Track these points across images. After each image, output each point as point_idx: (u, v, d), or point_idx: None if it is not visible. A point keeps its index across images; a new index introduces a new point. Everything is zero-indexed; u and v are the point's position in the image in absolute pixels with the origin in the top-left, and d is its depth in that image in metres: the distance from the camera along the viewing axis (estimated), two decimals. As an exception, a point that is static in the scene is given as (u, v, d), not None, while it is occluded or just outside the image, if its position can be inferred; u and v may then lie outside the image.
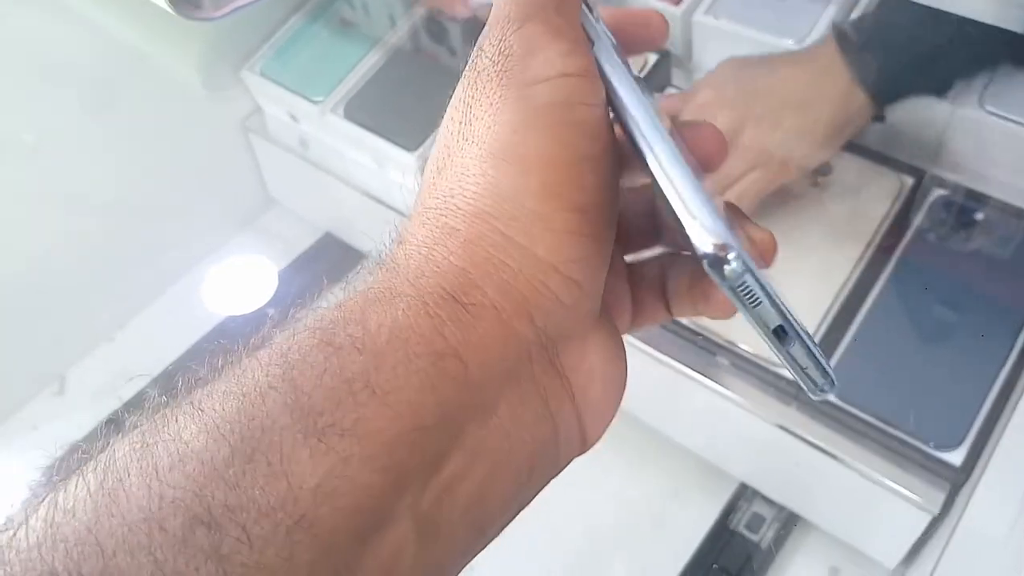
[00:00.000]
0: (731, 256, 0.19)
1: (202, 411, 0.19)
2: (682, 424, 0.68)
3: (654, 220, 0.26)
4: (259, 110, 0.84)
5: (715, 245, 0.19)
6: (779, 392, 0.59)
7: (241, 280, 0.87)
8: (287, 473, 0.18)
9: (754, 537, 0.65)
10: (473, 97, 0.23)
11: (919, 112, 0.63)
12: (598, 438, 0.24)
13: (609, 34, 0.24)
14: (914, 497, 0.55)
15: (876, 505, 0.57)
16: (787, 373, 0.57)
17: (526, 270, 0.21)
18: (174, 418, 0.19)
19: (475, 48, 0.24)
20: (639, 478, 0.71)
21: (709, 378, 0.61)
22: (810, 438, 0.58)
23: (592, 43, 0.23)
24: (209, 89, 0.81)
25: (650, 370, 0.63)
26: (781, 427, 0.59)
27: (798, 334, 0.21)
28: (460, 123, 0.23)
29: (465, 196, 0.22)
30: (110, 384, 0.78)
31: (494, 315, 0.21)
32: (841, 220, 0.63)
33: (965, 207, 0.62)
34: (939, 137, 0.63)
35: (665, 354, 0.62)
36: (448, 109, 0.24)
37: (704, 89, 0.61)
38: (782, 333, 0.21)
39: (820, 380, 0.22)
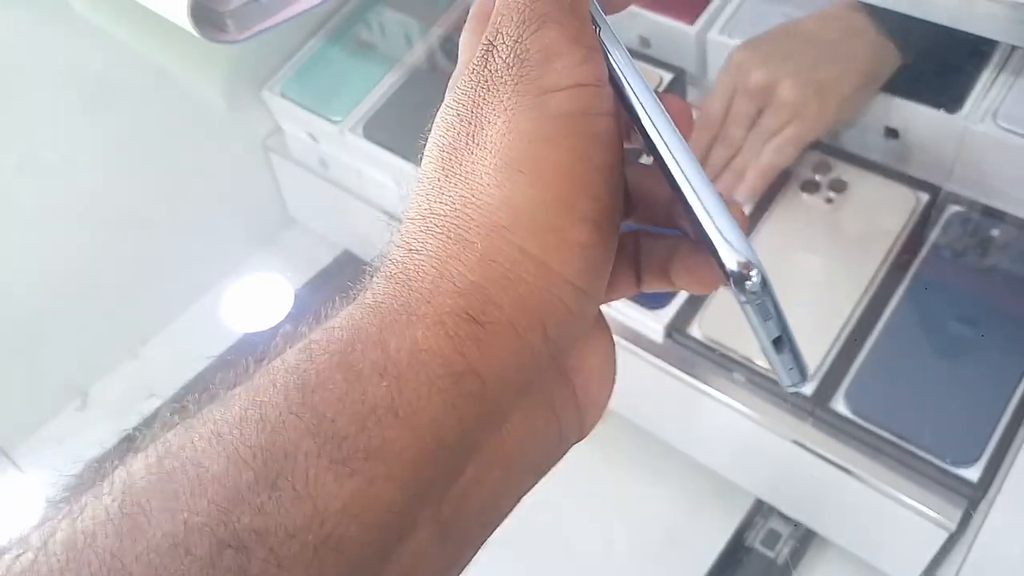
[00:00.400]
0: (754, 274, 0.21)
1: (220, 436, 0.19)
2: (698, 440, 0.68)
3: (630, 197, 0.26)
4: (279, 130, 0.86)
5: (740, 263, 0.21)
6: (795, 408, 0.59)
7: (261, 297, 0.88)
8: (313, 496, 0.18)
9: (770, 553, 0.65)
10: (484, 99, 0.22)
11: (933, 129, 0.63)
12: (591, 429, 0.26)
13: (617, 36, 0.25)
14: (931, 513, 0.55)
15: (892, 521, 0.57)
16: (805, 390, 0.58)
17: (541, 285, 0.21)
18: (190, 441, 0.19)
19: (484, 41, 0.23)
20: (655, 494, 0.71)
21: (725, 394, 0.61)
22: (826, 454, 0.58)
23: (608, 51, 0.24)
24: (231, 109, 0.82)
25: (666, 386, 0.63)
26: (797, 443, 0.59)
27: (792, 342, 0.23)
28: (469, 123, 0.23)
29: (479, 207, 0.22)
30: (132, 400, 0.79)
31: (511, 331, 0.21)
32: (856, 236, 0.64)
33: (980, 223, 0.62)
34: (953, 153, 0.63)
35: (681, 370, 0.62)
36: (448, 98, 0.23)
37: (738, 51, 0.63)
38: (780, 343, 0.23)
39: (797, 377, 0.24)
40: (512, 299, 0.21)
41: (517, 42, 0.22)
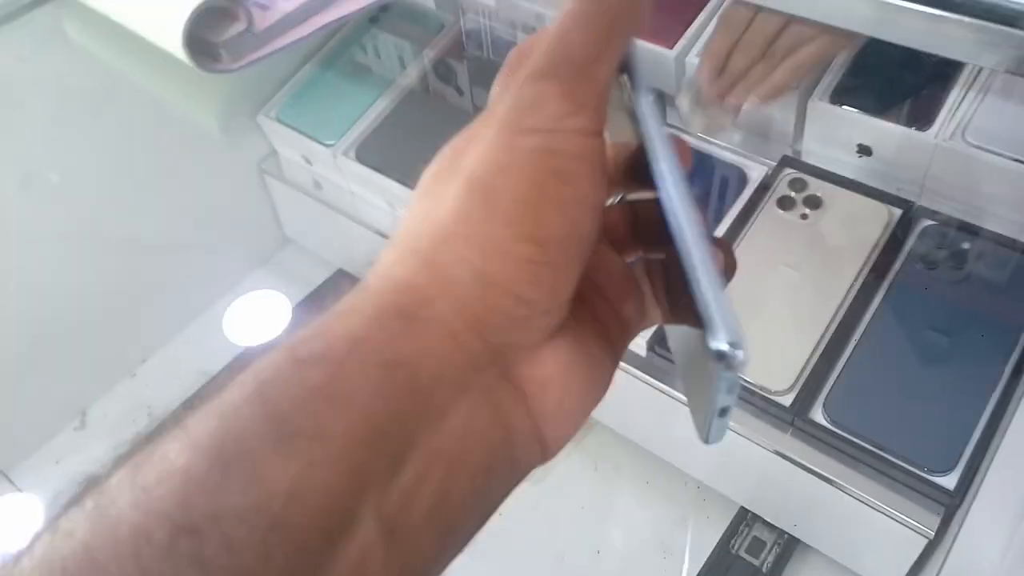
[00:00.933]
0: (740, 353, 0.22)
1: (187, 430, 0.21)
2: (682, 450, 0.70)
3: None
4: (275, 153, 0.88)
5: (730, 344, 0.22)
6: (776, 420, 0.61)
7: (258, 315, 0.90)
8: (260, 479, 0.20)
9: (755, 561, 0.66)
10: (475, 134, 0.25)
11: (904, 146, 0.65)
12: (561, 443, 0.26)
13: (654, 110, 0.26)
14: (909, 521, 0.56)
15: (873, 529, 0.59)
16: (783, 401, 0.60)
17: (478, 289, 0.23)
18: (163, 442, 0.21)
19: (496, 88, 0.26)
20: (642, 504, 0.73)
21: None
22: (806, 464, 0.60)
23: (638, 120, 0.26)
24: (227, 134, 0.84)
25: (650, 399, 0.65)
26: (778, 453, 0.61)
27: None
28: (456, 154, 0.25)
29: (434, 220, 0.24)
30: (131, 419, 0.80)
31: (444, 329, 0.23)
32: (831, 252, 0.65)
33: (952, 236, 0.64)
34: (924, 169, 0.65)
35: (664, 383, 0.64)
36: (455, 138, 0.26)
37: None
38: (726, 410, 0.24)
39: (717, 438, 0.25)
40: (448, 300, 0.23)
41: (519, 91, 0.24)
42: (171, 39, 0.55)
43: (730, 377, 0.22)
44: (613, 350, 0.27)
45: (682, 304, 0.25)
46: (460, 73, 0.81)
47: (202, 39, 0.56)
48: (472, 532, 0.24)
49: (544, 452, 0.25)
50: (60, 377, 0.80)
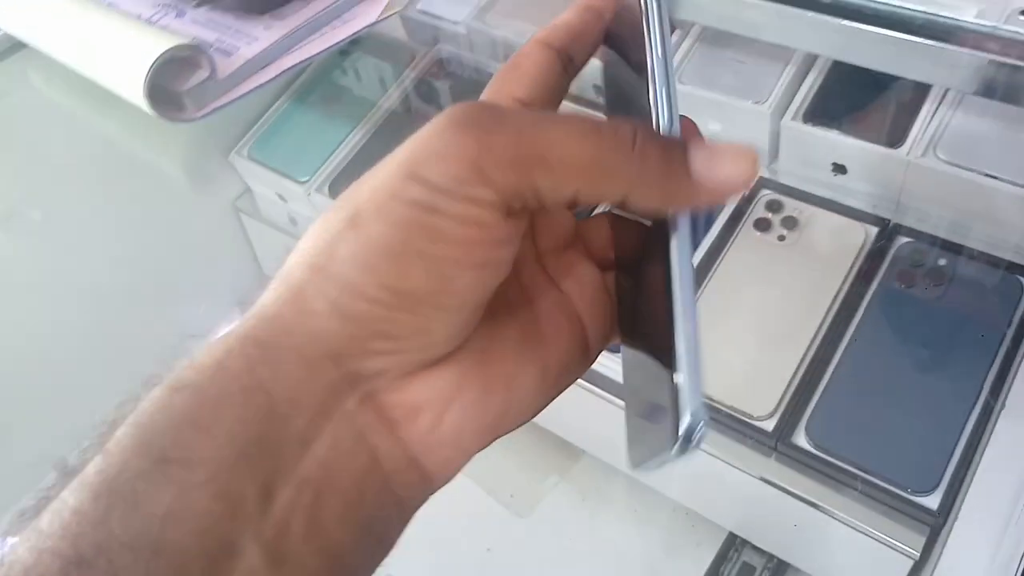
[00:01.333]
0: (703, 431, 0.23)
1: (83, 473, 0.22)
2: (670, 479, 0.70)
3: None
4: (249, 191, 0.88)
5: (696, 424, 0.23)
6: (759, 445, 0.60)
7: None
8: (139, 505, 0.21)
9: (745, 587, 0.66)
10: (385, 164, 0.24)
11: (878, 163, 0.65)
12: (449, 470, 0.26)
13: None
14: (895, 543, 0.56)
15: (860, 551, 0.59)
16: (766, 426, 0.59)
17: (335, 323, 0.23)
18: (62, 486, 0.22)
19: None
20: (631, 532, 0.73)
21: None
22: (791, 489, 0.59)
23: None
24: (199, 176, 0.84)
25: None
26: (763, 479, 0.61)
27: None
28: (359, 184, 0.24)
29: (312, 249, 0.24)
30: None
31: (299, 358, 0.23)
32: (809, 273, 0.65)
33: (929, 253, 0.64)
34: (899, 187, 0.65)
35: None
36: (379, 162, 0.25)
37: None
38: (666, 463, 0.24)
39: (652, 469, 0.25)
40: (305, 330, 0.23)
41: (433, 131, 0.23)
42: (133, 91, 0.55)
43: (690, 450, 0.23)
44: (546, 374, 0.27)
45: (645, 332, 0.26)
46: (443, 92, 0.81)
47: (165, 88, 0.56)
48: (367, 558, 0.24)
49: (427, 478, 0.25)
50: (34, 429, 0.79)
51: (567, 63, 0.28)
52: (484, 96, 0.28)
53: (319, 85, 0.86)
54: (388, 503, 0.25)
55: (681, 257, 0.24)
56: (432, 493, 0.26)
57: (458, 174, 0.22)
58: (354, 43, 0.85)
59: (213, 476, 0.21)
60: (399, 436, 0.24)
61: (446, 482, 0.26)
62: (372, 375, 0.24)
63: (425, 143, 0.23)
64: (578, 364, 0.28)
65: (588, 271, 0.29)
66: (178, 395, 0.22)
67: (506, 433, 0.27)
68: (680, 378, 0.23)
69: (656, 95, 0.25)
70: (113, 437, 0.22)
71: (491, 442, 0.26)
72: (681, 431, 0.22)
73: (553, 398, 0.28)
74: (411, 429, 0.25)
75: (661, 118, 0.25)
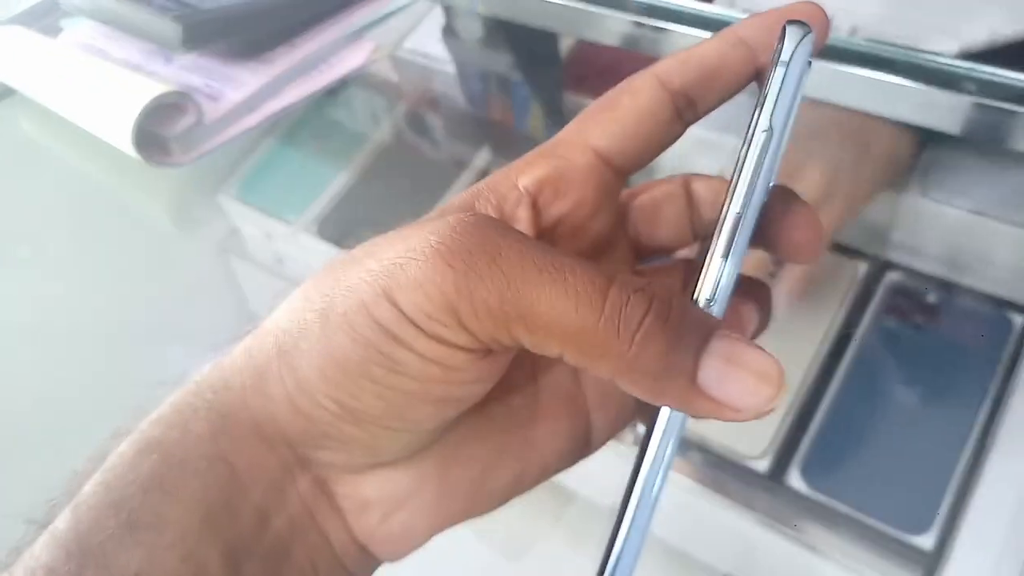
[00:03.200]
0: None
1: (53, 528, 0.22)
2: (660, 519, 0.69)
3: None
4: (237, 231, 0.87)
5: None
6: (752, 487, 0.60)
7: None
8: (110, 566, 0.21)
9: (741, 630, 0.65)
10: (371, 251, 0.22)
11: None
12: (396, 558, 0.26)
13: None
14: (890, 584, 0.56)
15: (857, 592, 0.58)
16: (758, 467, 0.59)
17: (289, 414, 0.23)
18: (35, 543, 0.22)
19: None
20: (625, 574, 0.72)
21: (682, 474, 0.62)
22: (784, 529, 0.59)
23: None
24: (186, 217, 0.84)
25: (627, 469, 0.64)
26: (757, 521, 0.60)
27: None
28: (344, 265, 0.23)
29: (286, 327, 0.23)
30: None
31: (256, 434, 0.23)
32: (800, 309, 0.65)
33: (918, 290, 0.64)
34: (887, 223, 0.65)
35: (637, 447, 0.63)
36: (372, 240, 0.24)
37: None
38: None
39: None
40: (261, 410, 0.23)
41: (417, 259, 0.21)
42: (121, 137, 0.55)
43: None
44: (523, 477, 0.26)
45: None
46: (434, 131, 0.81)
47: (152, 133, 0.56)
48: None
49: (374, 561, 0.25)
50: (16, 479, 0.78)
51: (684, 108, 0.25)
52: (561, 135, 0.25)
53: (308, 124, 0.87)
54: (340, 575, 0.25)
55: (653, 467, 0.23)
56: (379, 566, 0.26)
57: (430, 312, 0.21)
58: (343, 82, 0.86)
59: (180, 539, 0.22)
60: (347, 524, 0.25)
61: (394, 561, 0.26)
62: (322, 465, 0.24)
63: (406, 261, 0.21)
64: (561, 462, 0.27)
65: (560, 379, 0.27)
66: (147, 458, 0.22)
67: (457, 523, 0.26)
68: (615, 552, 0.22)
69: (711, 255, 0.22)
70: (83, 493, 0.22)
71: (439, 533, 0.26)
72: None
73: (518, 495, 0.26)
74: (358, 521, 0.25)
75: (702, 289, 0.22)
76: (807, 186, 0.58)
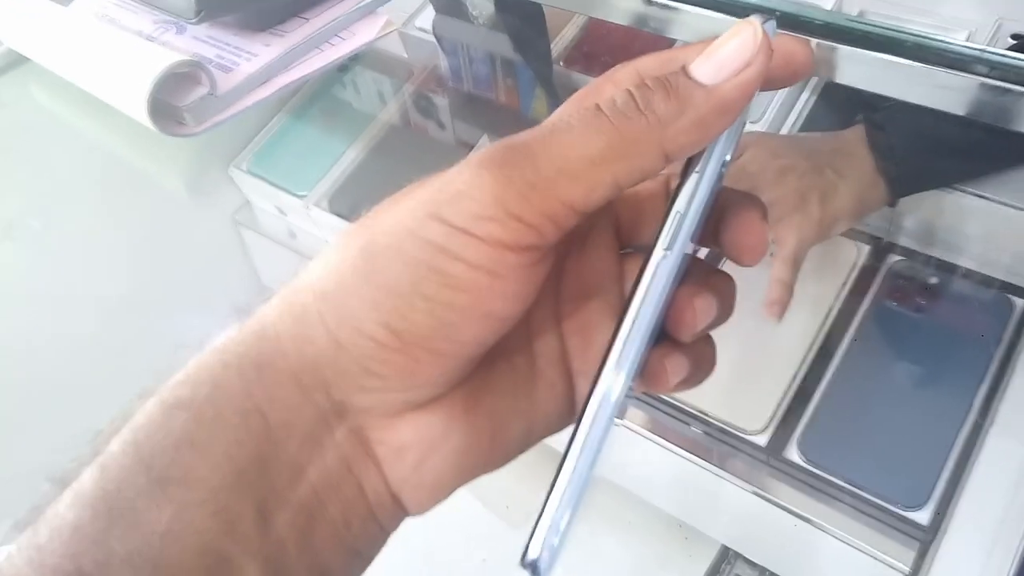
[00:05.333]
0: (545, 568, 0.22)
1: (78, 486, 0.22)
2: (662, 491, 0.70)
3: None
4: (248, 204, 0.88)
5: (536, 559, 0.22)
6: (751, 459, 0.61)
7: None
8: (139, 523, 0.21)
9: (738, 601, 0.66)
10: (410, 193, 0.23)
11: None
12: (424, 508, 0.26)
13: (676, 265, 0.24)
14: (885, 558, 0.56)
15: (851, 565, 0.59)
16: (759, 440, 0.60)
17: (330, 352, 0.23)
18: (57, 500, 0.22)
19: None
20: (624, 544, 0.73)
21: (683, 448, 0.63)
22: (783, 503, 0.60)
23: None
24: (199, 189, 0.85)
25: (630, 440, 0.65)
26: (756, 493, 0.61)
27: None
28: (378, 212, 0.24)
29: (321, 274, 0.23)
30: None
31: (294, 382, 0.23)
32: (801, 290, 0.66)
33: (920, 271, 0.65)
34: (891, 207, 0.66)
35: (640, 425, 0.64)
36: (404, 189, 0.24)
37: (747, 149, 0.62)
38: None
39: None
40: (300, 356, 0.23)
41: (462, 169, 0.23)
42: (135, 106, 0.55)
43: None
44: (530, 432, 0.27)
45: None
46: (442, 108, 0.82)
47: (165, 103, 0.56)
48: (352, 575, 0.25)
49: (404, 511, 0.26)
50: (29, 435, 0.80)
51: None
52: (561, 109, 0.26)
53: (318, 99, 0.87)
54: (372, 529, 0.25)
55: (618, 368, 0.23)
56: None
57: (480, 212, 0.22)
58: (353, 58, 0.86)
59: (211, 495, 0.22)
60: (383, 473, 0.25)
61: (419, 513, 0.26)
62: (360, 411, 0.24)
63: (448, 183, 0.22)
64: (561, 422, 0.28)
65: (602, 334, 0.27)
66: (177, 415, 0.22)
67: (478, 477, 0.26)
68: (551, 503, 0.22)
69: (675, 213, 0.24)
70: (110, 453, 0.22)
71: (463, 485, 0.26)
72: (524, 559, 0.22)
73: (527, 449, 0.27)
74: (394, 468, 0.25)
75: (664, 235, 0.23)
76: (784, 194, 0.59)
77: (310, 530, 0.23)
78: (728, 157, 0.24)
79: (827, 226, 0.60)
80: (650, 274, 0.23)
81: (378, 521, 0.25)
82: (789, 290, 0.58)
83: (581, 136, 0.22)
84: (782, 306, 0.58)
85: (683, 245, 0.23)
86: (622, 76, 0.26)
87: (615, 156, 0.22)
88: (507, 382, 0.26)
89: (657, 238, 0.24)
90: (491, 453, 0.26)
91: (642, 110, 0.22)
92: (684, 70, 0.23)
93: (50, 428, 0.80)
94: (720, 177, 0.24)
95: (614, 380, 0.23)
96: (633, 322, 0.23)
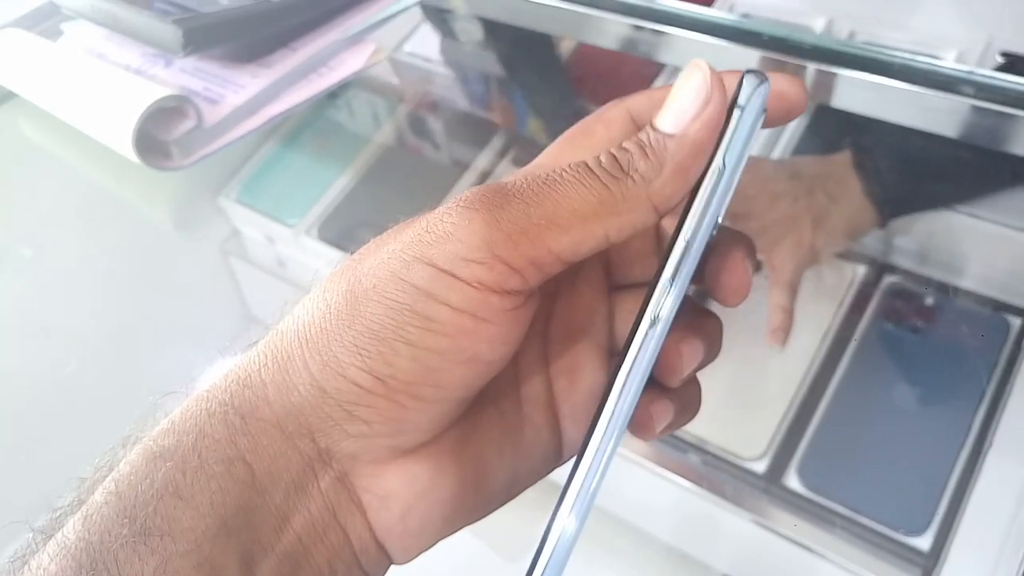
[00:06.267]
0: None
1: (62, 537, 0.22)
2: (659, 519, 0.69)
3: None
4: (237, 233, 0.88)
5: None
6: (751, 488, 0.60)
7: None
8: (123, 574, 0.21)
9: (739, 630, 0.65)
10: (395, 234, 0.24)
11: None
12: (409, 557, 0.25)
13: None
14: (887, 585, 0.56)
15: (854, 593, 0.58)
16: (757, 468, 0.59)
17: (312, 399, 0.23)
18: (42, 552, 0.22)
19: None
20: (623, 573, 0.72)
21: (680, 475, 0.62)
22: (782, 531, 0.59)
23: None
24: (187, 219, 0.84)
25: (623, 468, 0.64)
26: (755, 522, 0.60)
27: None
28: (363, 254, 0.24)
29: (303, 318, 0.24)
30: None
31: (278, 430, 0.23)
32: (797, 312, 0.66)
33: (916, 292, 0.64)
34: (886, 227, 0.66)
35: (636, 452, 0.64)
36: (389, 229, 0.25)
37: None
38: None
39: None
40: (284, 403, 0.23)
41: (447, 210, 0.23)
42: (121, 142, 0.55)
43: None
44: (515, 480, 0.26)
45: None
46: (434, 133, 0.81)
47: (152, 138, 0.56)
48: None
49: (389, 559, 0.25)
50: (17, 479, 0.79)
51: None
52: (540, 159, 0.27)
53: (308, 127, 0.87)
54: None
55: (611, 426, 0.23)
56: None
57: (466, 254, 0.22)
58: (343, 85, 0.86)
59: (195, 546, 0.21)
60: (368, 521, 0.24)
61: (403, 562, 0.26)
62: (345, 457, 0.24)
63: (434, 224, 0.23)
64: (546, 467, 0.27)
65: (590, 375, 0.27)
66: (159, 464, 0.22)
67: (463, 527, 0.26)
68: (549, 540, 0.22)
69: (658, 279, 0.24)
70: (93, 503, 0.22)
71: (449, 535, 0.26)
72: None
73: (510, 499, 0.27)
74: (379, 516, 0.24)
75: (648, 311, 0.24)
76: (777, 219, 0.60)
77: None
78: (720, 219, 0.24)
79: (820, 249, 0.60)
80: (637, 345, 0.23)
81: (362, 568, 0.25)
82: (790, 316, 0.59)
83: (574, 191, 0.22)
84: (785, 332, 0.59)
85: (670, 315, 0.24)
86: (612, 116, 0.26)
87: (607, 212, 0.23)
88: (494, 428, 0.26)
89: (645, 308, 0.24)
90: (475, 502, 0.26)
91: (627, 172, 0.23)
92: (652, 126, 0.24)
93: (33, 470, 0.79)
94: (710, 240, 0.24)
95: (611, 424, 0.23)
96: (628, 372, 0.23)
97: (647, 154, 0.23)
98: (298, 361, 0.23)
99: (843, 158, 0.62)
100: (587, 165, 0.23)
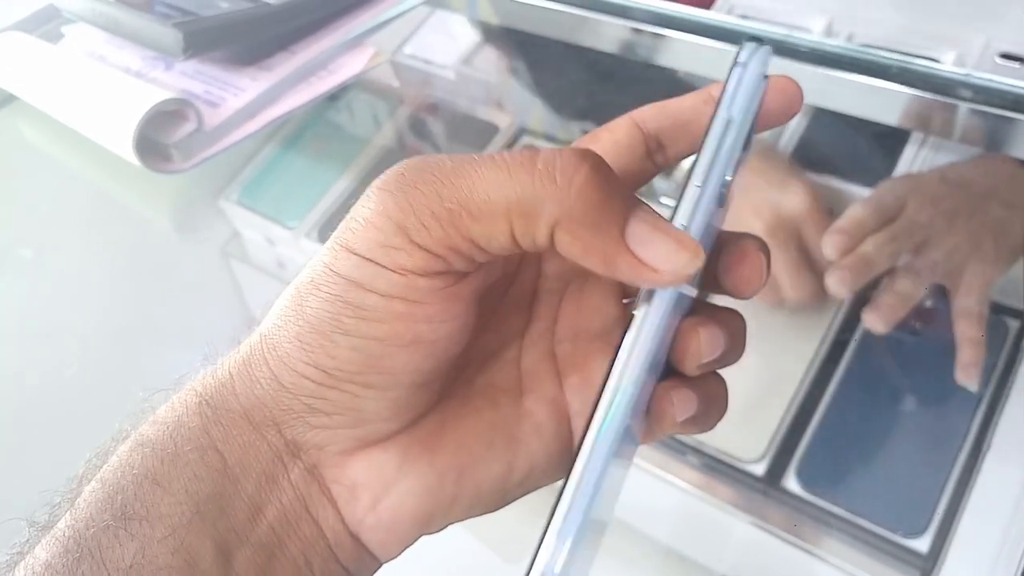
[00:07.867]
0: None
1: (53, 528, 0.23)
2: (660, 522, 0.69)
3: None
4: (238, 235, 0.88)
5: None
6: (750, 490, 0.60)
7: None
8: (106, 561, 0.21)
9: (738, 632, 0.65)
10: (325, 249, 0.24)
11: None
12: (389, 551, 0.25)
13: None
14: (886, 587, 0.56)
15: (852, 595, 0.58)
16: (756, 470, 0.59)
17: (272, 392, 0.24)
18: (35, 542, 0.23)
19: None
20: (622, 575, 0.72)
21: (679, 478, 0.62)
22: (781, 533, 0.59)
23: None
24: (187, 221, 0.84)
25: (628, 475, 0.64)
26: (754, 524, 0.60)
27: None
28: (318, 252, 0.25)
29: (270, 317, 0.24)
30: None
31: (246, 421, 0.24)
32: (796, 314, 0.66)
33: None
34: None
35: (636, 455, 0.64)
36: None
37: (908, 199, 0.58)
38: None
39: None
40: (249, 396, 0.24)
41: (367, 198, 0.23)
42: (121, 145, 0.55)
43: None
44: (510, 474, 0.26)
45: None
46: (434, 135, 0.82)
47: (153, 141, 0.56)
48: None
49: (370, 555, 0.25)
50: (15, 477, 0.79)
51: (655, 150, 0.26)
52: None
53: (308, 129, 0.87)
54: (334, 570, 0.25)
55: (620, 396, 0.22)
56: (379, 567, 0.26)
57: (382, 241, 0.22)
58: (343, 88, 0.86)
59: (172, 532, 0.22)
60: (339, 512, 0.25)
61: (391, 560, 0.26)
62: (312, 448, 0.24)
63: (356, 210, 0.23)
64: (554, 470, 0.27)
65: (603, 372, 0.27)
66: (138, 452, 0.23)
67: (458, 521, 0.26)
68: (550, 536, 0.21)
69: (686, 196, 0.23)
70: (81, 492, 0.23)
71: (439, 529, 0.25)
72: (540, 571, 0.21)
73: (519, 497, 0.27)
74: (349, 507, 0.25)
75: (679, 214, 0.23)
76: (957, 241, 0.56)
77: (271, 569, 0.23)
78: (729, 177, 0.24)
79: (1004, 262, 0.56)
80: (643, 312, 0.23)
81: (340, 562, 0.25)
82: (982, 348, 0.54)
83: (494, 177, 0.21)
84: (978, 368, 0.54)
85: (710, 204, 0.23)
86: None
87: (521, 206, 0.21)
88: (482, 421, 0.26)
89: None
90: (459, 495, 0.25)
91: (570, 182, 0.21)
92: (625, 205, 0.22)
93: (31, 468, 0.79)
94: (723, 197, 0.24)
95: (612, 408, 0.22)
96: (632, 347, 0.22)
97: (602, 182, 0.22)
98: (258, 356, 0.24)
99: (1005, 157, 0.57)
100: (525, 155, 0.22)
